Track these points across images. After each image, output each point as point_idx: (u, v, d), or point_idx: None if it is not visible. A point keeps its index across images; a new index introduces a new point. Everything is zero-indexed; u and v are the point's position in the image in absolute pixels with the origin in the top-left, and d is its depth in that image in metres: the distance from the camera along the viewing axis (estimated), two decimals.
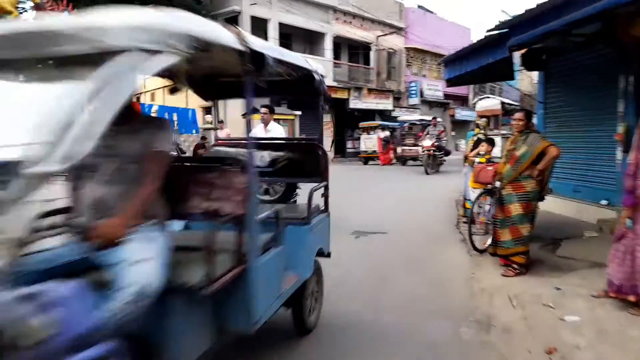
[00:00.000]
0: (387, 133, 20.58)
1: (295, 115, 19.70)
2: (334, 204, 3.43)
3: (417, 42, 27.22)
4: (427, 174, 14.31)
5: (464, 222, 6.67)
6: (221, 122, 13.02)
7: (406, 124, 20.37)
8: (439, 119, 17.85)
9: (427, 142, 15.02)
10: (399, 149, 19.24)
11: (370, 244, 5.81)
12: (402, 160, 19.05)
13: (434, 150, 14.90)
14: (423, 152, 15.27)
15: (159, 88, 25.34)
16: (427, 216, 7.64)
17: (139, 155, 1.95)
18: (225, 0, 19.27)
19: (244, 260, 2.18)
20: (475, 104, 16.63)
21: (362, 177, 14.59)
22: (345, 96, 22.38)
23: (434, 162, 15.01)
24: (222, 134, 13.05)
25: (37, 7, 10.50)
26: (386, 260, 5.04)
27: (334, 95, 21.92)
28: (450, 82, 8.02)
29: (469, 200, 6.55)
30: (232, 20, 19.47)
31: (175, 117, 14.65)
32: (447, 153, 16.10)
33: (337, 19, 22.65)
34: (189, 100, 22.12)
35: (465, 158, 7.18)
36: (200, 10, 18.50)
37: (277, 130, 6.14)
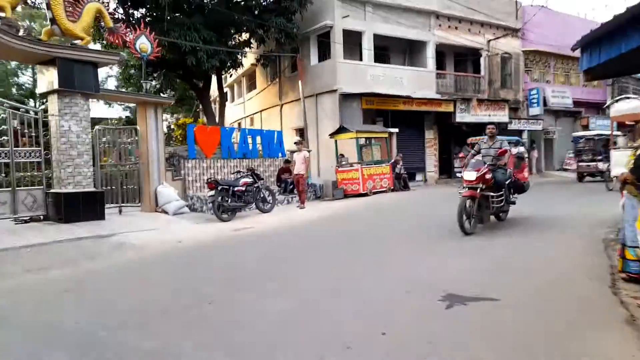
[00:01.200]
0: (521, 149, 17.40)
1: (391, 133, 17.81)
2: None
3: (538, 44, 23.60)
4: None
5: (625, 280, 4.36)
6: (299, 142, 11.73)
7: (582, 140, 18.78)
8: None
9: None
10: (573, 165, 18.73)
11: (469, 322, 3.63)
12: (580, 176, 18.22)
13: None
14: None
15: (256, 113, 25.55)
16: (560, 265, 5.24)
17: None
18: (317, 16, 18.32)
19: None
20: (609, 106, 13.30)
21: None
22: (451, 109, 19.85)
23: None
24: (298, 157, 11.77)
25: (111, 32, 10.46)
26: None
27: (437, 109, 19.59)
28: (592, 75, 5.57)
29: (635, 247, 4.17)
30: (324, 35, 18.48)
31: (259, 140, 13.80)
32: None
33: (439, 25, 20.41)
34: (284, 122, 21.66)
35: (624, 183, 4.70)
36: (292, 29, 17.83)
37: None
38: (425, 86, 19.58)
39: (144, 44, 10.55)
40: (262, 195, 10.97)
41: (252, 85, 25.92)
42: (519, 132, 22.61)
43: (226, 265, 5.80)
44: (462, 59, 22.20)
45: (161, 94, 20.27)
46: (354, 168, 13.62)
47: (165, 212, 10.21)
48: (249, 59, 20.97)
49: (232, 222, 9.65)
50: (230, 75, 30.11)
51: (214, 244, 7.16)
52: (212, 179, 10.15)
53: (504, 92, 22.77)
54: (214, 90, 22.48)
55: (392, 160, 15.60)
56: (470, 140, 18.21)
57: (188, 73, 18.13)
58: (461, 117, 20.25)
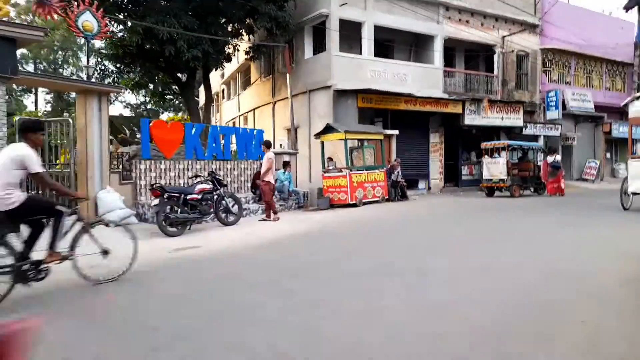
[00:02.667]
0: (557, 157, 15.43)
1: (389, 135, 15.99)
2: None
3: (558, 41, 21.55)
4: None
5: None
6: (265, 143, 9.97)
7: None
8: None
9: None
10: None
11: None
12: None
13: None
14: None
15: (250, 111, 23.83)
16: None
17: None
18: (312, 4, 16.58)
19: None
20: (627, 105, 11.29)
21: (498, 215, 10.18)
22: (459, 111, 17.92)
23: None
24: (263, 160, 9.95)
25: (40, 4, 8.84)
26: None
27: (444, 110, 17.68)
28: None
29: None
30: (320, 26, 16.71)
31: (233, 140, 12.06)
32: None
33: (449, 17, 18.51)
34: (276, 121, 19.91)
35: None
36: (284, 18, 16.10)
37: None
38: (432, 84, 17.68)
39: (88, 21, 8.89)
40: (224, 205, 9.23)
41: (246, 82, 24.25)
42: (534, 137, 20.59)
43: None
44: (474, 56, 20.24)
45: (140, 89, 18.76)
46: (342, 174, 11.80)
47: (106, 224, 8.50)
48: (242, 53, 19.27)
49: (181, 238, 7.92)
50: (222, 70, 28.59)
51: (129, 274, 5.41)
52: (157, 184, 8.42)
53: (519, 93, 20.76)
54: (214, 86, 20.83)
55: (389, 166, 13.76)
56: (484, 145, 16.32)
57: (170, 65, 16.49)
58: (471, 119, 18.31)
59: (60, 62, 42.90)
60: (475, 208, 11.66)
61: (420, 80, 17.48)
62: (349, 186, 11.57)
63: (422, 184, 18.43)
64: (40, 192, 8.19)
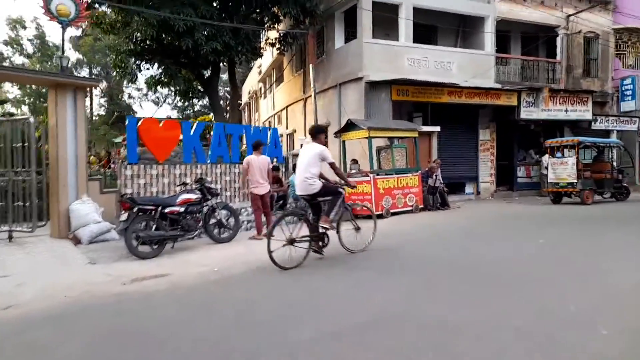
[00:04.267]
0: None
1: (429, 132, 13.96)
2: None
3: (635, 19, 18.39)
4: None
5: None
6: (257, 144, 8.35)
7: None
8: None
9: None
10: None
11: None
12: None
13: None
14: None
15: (283, 109, 22.40)
16: None
17: None
18: None
19: None
20: None
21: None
22: (513, 103, 15.48)
23: None
24: (254, 165, 8.28)
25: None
26: None
27: (495, 102, 15.33)
28: None
29: None
30: (352, 12, 14.94)
31: (243, 140, 10.61)
32: None
33: None
34: (308, 118, 18.35)
35: None
36: (312, 3, 14.49)
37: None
38: (481, 73, 15.40)
39: (64, 4, 7.71)
40: (217, 218, 7.77)
41: (280, 78, 22.89)
42: (605, 133, 17.64)
43: None
44: (532, 40, 17.59)
45: (162, 87, 17.84)
46: (366, 179, 10.00)
47: (79, 240, 7.34)
48: (270, 46, 17.86)
49: (153, 262, 6.54)
50: (259, 68, 27.42)
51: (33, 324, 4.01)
52: (127, 196, 7.09)
53: (586, 81, 17.89)
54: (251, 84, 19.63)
55: (425, 169, 11.78)
56: (549, 142, 13.90)
57: (191, 61, 15.35)
58: (528, 112, 15.79)
59: (111, 65, 43.90)
60: (540, 219, 9.46)
61: (467, 68, 15.27)
62: (373, 193, 9.76)
63: (469, 188, 16.19)
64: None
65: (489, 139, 16.47)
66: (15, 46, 38.28)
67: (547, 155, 14.56)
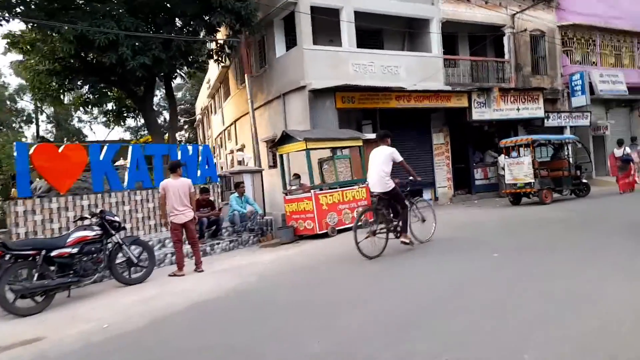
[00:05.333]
0: (627, 149, 13.21)
1: (372, 140, 13.18)
2: None
3: (578, 16, 18.42)
4: None
5: None
6: (175, 165, 7.27)
7: None
8: None
9: None
10: None
11: None
12: None
13: None
14: None
15: (231, 124, 21.26)
16: None
17: None
18: None
19: None
20: None
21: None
22: (464, 104, 14.97)
23: None
24: (172, 188, 7.15)
25: None
26: None
27: (446, 105, 14.76)
28: None
29: None
30: (290, 18, 14.11)
31: (167, 161, 9.44)
32: None
33: None
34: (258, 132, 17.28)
35: None
36: (246, 10, 13.53)
37: None
38: (430, 76, 14.80)
39: None
40: (126, 256, 6.59)
41: (228, 92, 21.81)
42: (559, 129, 17.41)
43: None
44: (480, 40, 17.24)
45: (90, 108, 16.43)
46: (306, 195, 9.04)
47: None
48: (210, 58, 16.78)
49: (37, 318, 5.35)
50: (209, 83, 26.29)
51: None
52: None
53: (536, 79, 17.66)
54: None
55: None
56: (503, 142, 13.36)
57: (121, 78, 14.08)
58: (480, 113, 15.31)
59: (29, 87, 41.53)
60: (496, 225, 8.70)
61: (415, 71, 14.66)
62: (315, 211, 8.79)
63: (427, 194, 15.45)
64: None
65: (443, 143, 15.88)
66: None
67: (503, 156, 14.06)
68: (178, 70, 15.07)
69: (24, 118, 40.79)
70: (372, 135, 13.66)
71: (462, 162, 16.29)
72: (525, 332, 3.22)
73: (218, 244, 8.93)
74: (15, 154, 7.16)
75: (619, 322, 3.26)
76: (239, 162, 11.65)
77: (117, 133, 47.80)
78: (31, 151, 7.33)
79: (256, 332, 3.97)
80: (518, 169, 12.58)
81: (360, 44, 14.25)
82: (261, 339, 3.77)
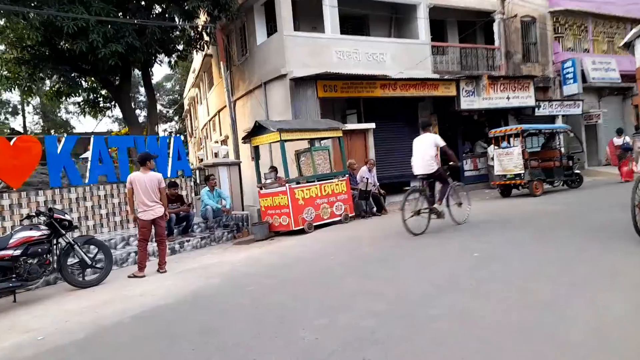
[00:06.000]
0: (627, 138, 12.98)
1: (364, 130, 12.73)
2: None
3: (570, 1, 17.93)
4: None
5: None
6: (144, 157, 6.72)
7: None
8: None
9: None
10: None
11: None
12: None
13: None
14: None
15: (215, 115, 20.61)
16: None
17: None
18: None
19: None
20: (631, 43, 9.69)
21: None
22: (452, 93, 14.49)
23: None
24: (139, 182, 6.65)
25: None
26: None
27: (433, 94, 14.27)
28: None
29: None
30: (269, 5, 13.50)
31: (132, 154, 8.94)
32: None
33: None
34: (239, 122, 16.68)
35: None
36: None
37: None
38: (417, 63, 14.28)
39: None
40: (79, 257, 6.09)
41: (211, 82, 21.18)
42: (550, 118, 16.99)
43: None
44: (469, 26, 16.70)
45: (64, 98, 15.76)
46: (281, 189, 8.53)
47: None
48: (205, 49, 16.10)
49: None
50: (171, 67, 25.52)
51: None
52: None
53: (527, 67, 17.19)
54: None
55: (358, 172, 10.48)
56: (493, 132, 12.90)
57: (94, 67, 13.41)
58: (469, 102, 14.84)
59: None
60: (482, 219, 8.22)
61: (402, 59, 14.13)
62: (290, 206, 8.29)
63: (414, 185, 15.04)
64: None
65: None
66: None
67: (492, 146, 13.62)
68: (155, 59, 14.34)
69: (9, 109, 39.86)
70: (357, 125, 13.23)
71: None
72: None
73: (188, 241, 8.43)
74: None
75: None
76: (215, 155, 11.08)
77: (105, 124, 46.92)
78: None
79: (200, 348, 3.49)
80: (507, 159, 12.15)
81: (344, 31, 13.71)
82: (205, 355, 3.30)
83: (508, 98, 15.47)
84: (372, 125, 13.10)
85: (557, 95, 17.82)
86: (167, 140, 9.37)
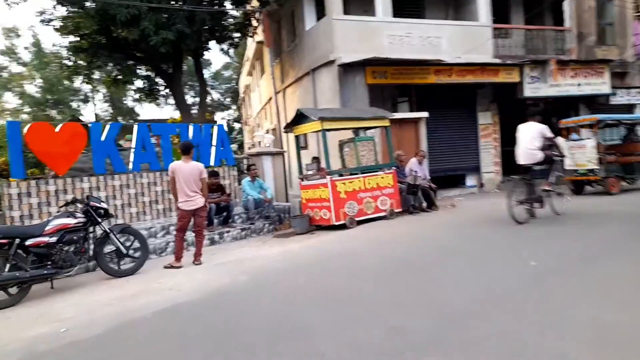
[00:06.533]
0: None
1: (415, 119, 12.02)
2: None
3: None
4: None
5: None
6: (186, 146, 6.55)
7: None
8: None
9: None
10: None
11: None
12: None
13: None
14: None
15: (266, 103, 20.49)
16: None
17: None
18: None
19: None
20: None
21: None
22: (515, 79, 13.37)
23: None
24: (182, 172, 6.43)
25: None
26: None
27: (493, 80, 13.24)
28: None
29: None
30: None
31: (176, 141, 8.91)
32: None
33: None
34: (288, 110, 16.46)
35: None
36: None
37: None
38: (477, 47, 13.27)
39: None
40: (115, 246, 6.07)
41: (263, 69, 21.09)
42: (628, 108, 15.31)
43: None
44: (536, 5, 15.30)
45: (123, 85, 16.22)
46: (322, 181, 8.15)
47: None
48: (257, 36, 16.01)
49: (5, 313, 4.93)
50: (224, 54, 25.65)
51: None
52: None
53: (602, 50, 15.55)
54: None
55: (406, 164, 9.87)
56: (563, 122, 11.77)
57: (148, 55, 13.69)
58: (534, 89, 13.65)
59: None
60: (542, 222, 7.38)
61: (460, 43, 13.18)
62: (332, 199, 7.90)
63: (471, 180, 14.18)
64: None
65: (491, 123, 14.37)
66: (12, 55, 37.44)
67: (560, 138, 12.40)
68: (206, 47, 14.39)
69: (82, 97, 42.37)
70: (408, 114, 12.54)
71: (513, 145, 14.67)
72: None
73: (228, 232, 8.30)
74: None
75: None
76: (259, 144, 10.90)
77: (169, 111, 48.53)
78: (25, 130, 6.94)
79: (210, 352, 3.21)
80: (580, 153, 10.98)
81: (397, 14, 12.98)
82: None
83: (579, 85, 14.07)
84: (425, 114, 12.36)
85: (637, 82, 16.01)
86: (211, 129, 9.24)
